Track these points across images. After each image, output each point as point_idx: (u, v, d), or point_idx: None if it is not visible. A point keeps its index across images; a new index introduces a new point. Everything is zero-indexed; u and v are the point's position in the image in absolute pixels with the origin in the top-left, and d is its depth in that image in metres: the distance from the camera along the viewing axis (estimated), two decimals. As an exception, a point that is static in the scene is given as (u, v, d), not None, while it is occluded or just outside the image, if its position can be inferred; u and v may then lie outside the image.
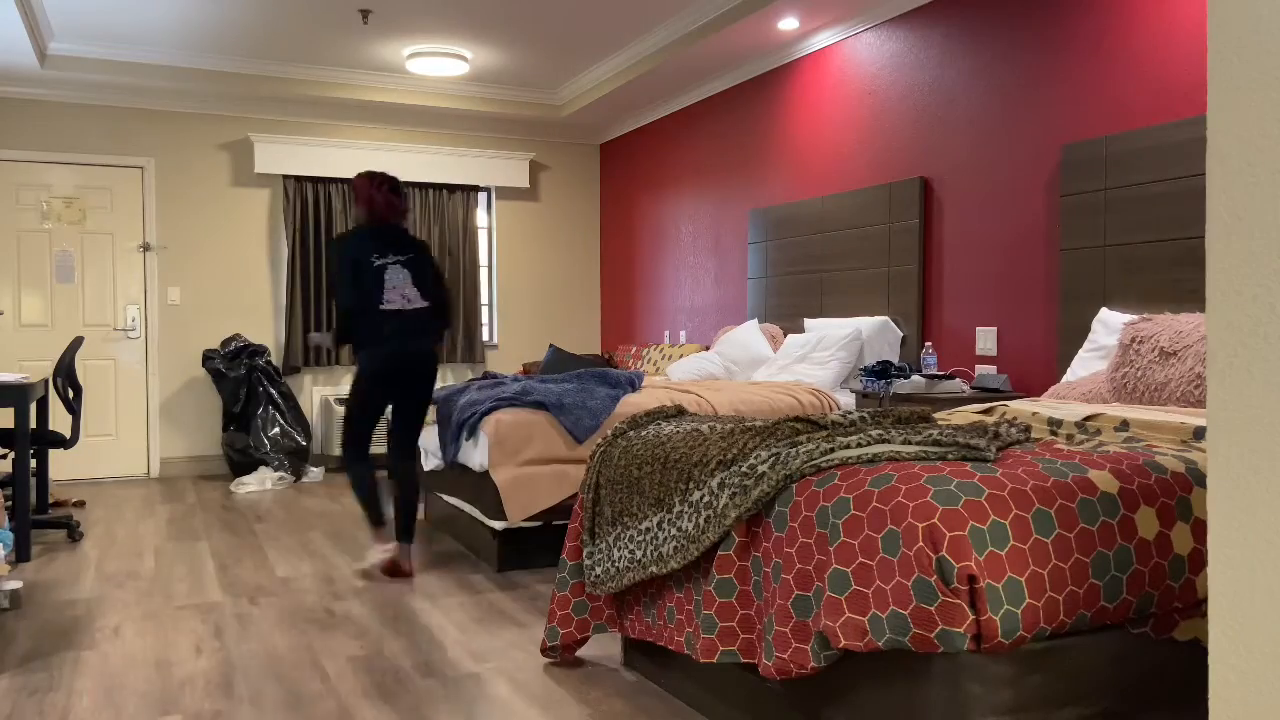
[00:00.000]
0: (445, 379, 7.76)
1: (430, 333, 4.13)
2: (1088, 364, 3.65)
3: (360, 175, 4.15)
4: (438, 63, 6.41)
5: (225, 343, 6.94)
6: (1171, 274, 3.57)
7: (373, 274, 4.02)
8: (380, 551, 4.08)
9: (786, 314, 5.77)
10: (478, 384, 4.69)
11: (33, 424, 4.77)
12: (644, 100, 7.06)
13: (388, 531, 4.19)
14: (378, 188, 4.12)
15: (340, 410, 7.11)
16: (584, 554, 2.82)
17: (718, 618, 2.24)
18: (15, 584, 3.68)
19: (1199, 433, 2.44)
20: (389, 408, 4.21)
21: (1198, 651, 2.08)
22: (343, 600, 3.74)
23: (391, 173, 6.83)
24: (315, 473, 6.89)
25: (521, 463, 4.00)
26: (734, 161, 6.42)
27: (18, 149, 6.56)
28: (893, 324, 4.92)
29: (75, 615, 3.58)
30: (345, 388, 7.42)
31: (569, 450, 4.08)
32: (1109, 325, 3.66)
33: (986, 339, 4.50)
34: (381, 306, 4.01)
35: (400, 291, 4.03)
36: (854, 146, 5.33)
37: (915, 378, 4.23)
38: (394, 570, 4.05)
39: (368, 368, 4.04)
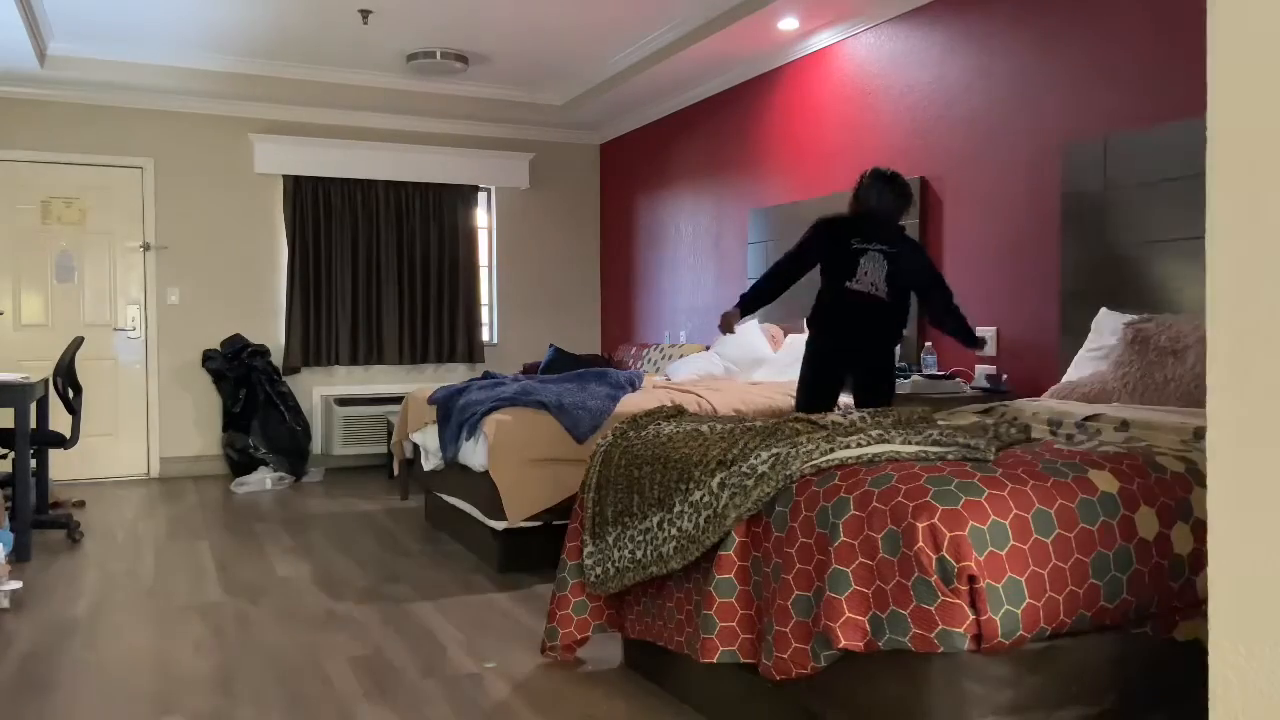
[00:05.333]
0: (444, 379, 7.76)
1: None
2: (1088, 364, 3.65)
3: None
4: (437, 62, 6.41)
5: (225, 343, 6.94)
6: (1171, 274, 3.57)
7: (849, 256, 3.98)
8: None
9: (787, 314, 5.76)
10: (478, 384, 4.69)
11: (33, 424, 4.77)
12: (644, 100, 7.06)
13: None
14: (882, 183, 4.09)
15: (341, 410, 7.11)
16: (584, 554, 2.82)
17: (718, 618, 2.24)
18: (15, 584, 3.68)
19: (1199, 433, 2.44)
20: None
21: (1198, 651, 2.08)
22: (343, 600, 3.74)
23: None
24: (315, 473, 6.89)
25: (521, 463, 4.00)
26: (734, 161, 6.42)
27: (18, 149, 6.55)
28: (893, 324, 4.92)
29: (75, 615, 3.58)
30: (345, 388, 7.41)
31: (569, 450, 4.07)
32: (1109, 325, 3.66)
33: (986, 339, 4.50)
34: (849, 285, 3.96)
35: (871, 279, 3.96)
36: (854, 146, 5.33)
37: (915, 378, 4.23)
38: None
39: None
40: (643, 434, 2.86)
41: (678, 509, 2.45)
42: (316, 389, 7.31)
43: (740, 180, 6.36)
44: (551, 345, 7.63)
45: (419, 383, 7.62)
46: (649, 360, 6.76)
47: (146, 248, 6.90)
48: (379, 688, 2.83)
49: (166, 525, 5.24)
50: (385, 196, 7.44)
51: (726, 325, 4.12)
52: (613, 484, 2.76)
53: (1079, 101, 4.04)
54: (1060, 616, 1.88)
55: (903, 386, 4.20)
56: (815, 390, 4.03)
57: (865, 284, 3.93)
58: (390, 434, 6.85)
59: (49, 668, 3.02)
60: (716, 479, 2.35)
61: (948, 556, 1.81)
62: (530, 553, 4.14)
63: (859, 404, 4.04)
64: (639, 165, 7.66)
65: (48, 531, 4.98)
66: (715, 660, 2.23)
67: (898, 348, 4.18)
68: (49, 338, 6.68)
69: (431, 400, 4.68)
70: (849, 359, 4.02)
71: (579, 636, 2.86)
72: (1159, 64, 3.71)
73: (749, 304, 4.07)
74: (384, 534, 4.96)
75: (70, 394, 5.00)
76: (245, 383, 6.80)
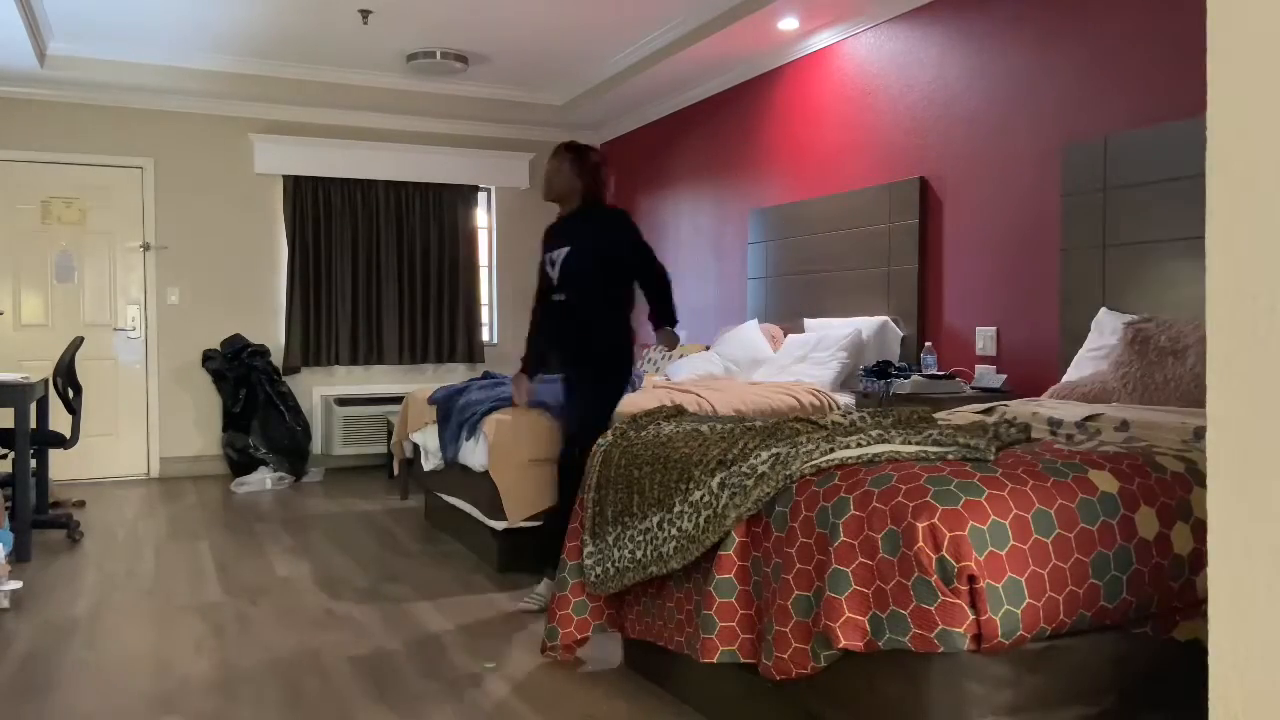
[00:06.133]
0: (444, 379, 7.76)
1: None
2: (1088, 364, 3.65)
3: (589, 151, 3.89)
4: (437, 63, 6.41)
5: (225, 343, 6.94)
6: (1171, 274, 3.57)
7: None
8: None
9: (786, 314, 5.77)
10: (478, 384, 4.69)
11: (33, 424, 4.77)
12: (644, 100, 7.06)
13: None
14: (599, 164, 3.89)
15: (341, 410, 7.11)
16: (584, 554, 2.82)
17: (718, 618, 2.24)
18: (15, 584, 3.68)
19: (1199, 433, 2.44)
20: None
21: (1198, 651, 2.08)
22: (343, 600, 3.74)
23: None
24: (315, 473, 6.89)
25: (521, 463, 4.00)
26: (734, 161, 6.42)
27: (18, 149, 6.55)
28: (893, 324, 4.92)
29: (75, 615, 3.58)
30: (345, 388, 7.40)
31: (569, 450, 4.07)
32: (1108, 325, 3.66)
33: (986, 339, 4.50)
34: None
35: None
36: (854, 146, 5.33)
37: (915, 378, 4.23)
38: None
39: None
40: (643, 434, 2.86)
41: (678, 509, 2.45)
42: (316, 389, 7.31)
43: (740, 180, 6.36)
44: (551, 345, 7.62)
45: (419, 383, 7.62)
46: (649, 360, 6.76)
47: (146, 248, 6.90)
48: (379, 688, 2.83)
49: (166, 525, 5.24)
50: (385, 196, 7.44)
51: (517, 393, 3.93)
52: (613, 484, 2.76)
53: (1079, 101, 4.04)
54: (1060, 616, 1.88)
55: (903, 386, 4.20)
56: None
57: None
58: (390, 434, 6.85)
59: (49, 668, 3.02)
60: (716, 479, 2.35)
61: (948, 556, 1.81)
62: (530, 553, 4.14)
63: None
64: (639, 165, 7.66)
65: (48, 531, 4.98)
66: (715, 660, 2.23)
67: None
68: (49, 338, 6.68)
69: (431, 400, 4.68)
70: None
71: (579, 636, 2.86)
72: (1159, 64, 3.71)
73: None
74: (384, 534, 4.96)
75: (70, 394, 5.00)
76: (245, 383, 6.80)
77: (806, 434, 2.40)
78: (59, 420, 6.16)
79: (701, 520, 2.35)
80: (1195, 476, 2.13)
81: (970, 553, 1.80)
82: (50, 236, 6.67)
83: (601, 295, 3.72)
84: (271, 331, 7.23)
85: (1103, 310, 3.76)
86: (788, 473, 2.18)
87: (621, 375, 3.74)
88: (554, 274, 3.82)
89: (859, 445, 2.24)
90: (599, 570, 2.74)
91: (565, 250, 3.80)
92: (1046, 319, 4.21)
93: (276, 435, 6.69)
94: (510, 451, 3.98)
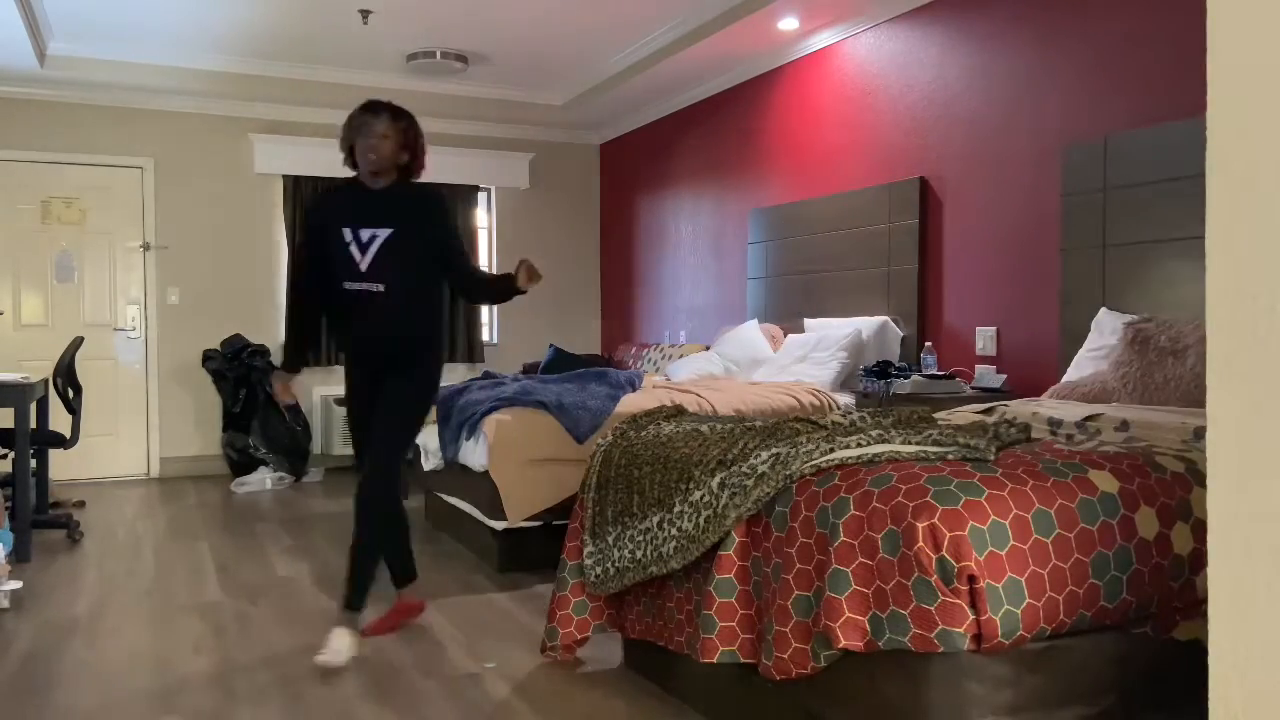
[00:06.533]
0: (445, 379, 7.75)
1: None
2: (1088, 364, 3.65)
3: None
4: (437, 63, 6.41)
5: (225, 343, 6.93)
6: (1171, 274, 3.57)
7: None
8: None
9: (786, 314, 5.77)
10: (478, 384, 4.69)
11: (33, 424, 4.77)
12: (644, 100, 7.06)
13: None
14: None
15: (341, 410, 7.10)
16: (584, 554, 2.82)
17: (718, 618, 2.24)
18: (15, 584, 3.68)
19: (1199, 433, 2.44)
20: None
21: (1198, 651, 2.08)
22: (343, 600, 3.74)
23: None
24: (315, 472, 6.88)
25: (521, 463, 4.00)
26: (734, 161, 6.42)
27: (18, 149, 6.55)
28: (893, 324, 4.92)
29: (75, 615, 3.58)
30: (345, 388, 7.39)
31: (569, 450, 4.07)
32: (1108, 325, 3.66)
33: (986, 339, 4.50)
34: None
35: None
36: (854, 146, 5.33)
37: (915, 378, 4.23)
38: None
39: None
40: (643, 434, 2.86)
41: (678, 509, 2.45)
42: (316, 389, 7.31)
43: (740, 180, 6.36)
44: (551, 345, 7.63)
45: (419, 383, 7.61)
46: (649, 360, 6.76)
47: (146, 248, 6.90)
48: (379, 688, 2.83)
49: (166, 525, 5.24)
50: (385, 196, 7.43)
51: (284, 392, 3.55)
52: (613, 484, 2.76)
53: (1079, 101, 4.04)
54: (1060, 616, 1.88)
55: (903, 386, 4.20)
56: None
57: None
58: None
59: (49, 668, 3.02)
60: (716, 479, 2.34)
61: (948, 556, 1.81)
62: (530, 553, 4.14)
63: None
64: (639, 165, 7.66)
65: (48, 531, 4.98)
66: (715, 660, 2.23)
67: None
68: (49, 338, 6.68)
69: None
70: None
71: (579, 636, 2.86)
72: (1159, 64, 3.71)
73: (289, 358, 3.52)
74: (384, 534, 4.95)
75: (70, 394, 5.00)
76: (245, 383, 6.80)
77: (806, 434, 2.40)
78: (59, 420, 6.16)
79: (701, 520, 2.35)
80: (1195, 476, 2.13)
81: (970, 553, 1.80)
82: (50, 236, 6.67)
83: (427, 288, 3.30)
84: (271, 331, 7.23)
85: (1103, 310, 3.76)
86: (788, 473, 2.18)
87: (436, 382, 3.35)
88: (362, 259, 3.25)
89: (859, 445, 2.24)
90: (599, 570, 2.74)
91: (387, 232, 3.21)
92: (1046, 319, 4.21)
93: (276, 435, 6.69)
94: (510, 451, 3.98)
